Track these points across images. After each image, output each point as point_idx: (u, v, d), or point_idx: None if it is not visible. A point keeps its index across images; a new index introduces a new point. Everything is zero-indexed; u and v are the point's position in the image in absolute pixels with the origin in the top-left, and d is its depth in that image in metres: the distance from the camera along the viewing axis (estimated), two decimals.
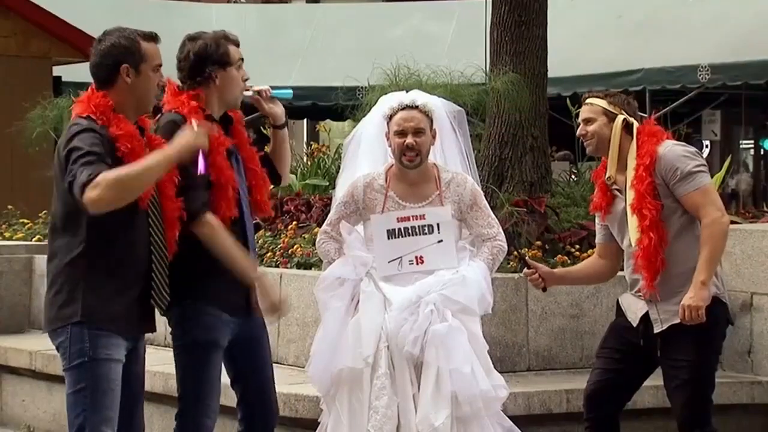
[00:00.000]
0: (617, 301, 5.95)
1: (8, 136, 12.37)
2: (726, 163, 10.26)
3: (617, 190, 5.78)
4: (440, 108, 6.00)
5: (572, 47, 16.21)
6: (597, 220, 5.99)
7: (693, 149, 5.73)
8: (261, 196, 5.55)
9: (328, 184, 10.55)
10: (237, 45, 5.46)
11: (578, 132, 5.85)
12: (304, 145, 18.15)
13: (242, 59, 5.46)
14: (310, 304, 7.46)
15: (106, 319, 4.80)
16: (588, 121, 5.81)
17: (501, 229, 5.90)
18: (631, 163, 5.66)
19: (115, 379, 4.83)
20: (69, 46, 14.72)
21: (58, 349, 4.91)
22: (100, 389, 4.78)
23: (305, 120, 23.59)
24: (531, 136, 9.25)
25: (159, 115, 5.23)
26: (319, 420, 5.91)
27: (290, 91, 5.80)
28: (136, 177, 4.68)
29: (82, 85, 13.88)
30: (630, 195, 5.64)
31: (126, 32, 4.90)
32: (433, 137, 5.87)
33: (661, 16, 17.21)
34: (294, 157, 12.89)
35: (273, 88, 5.68)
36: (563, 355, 7.51)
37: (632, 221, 5.64)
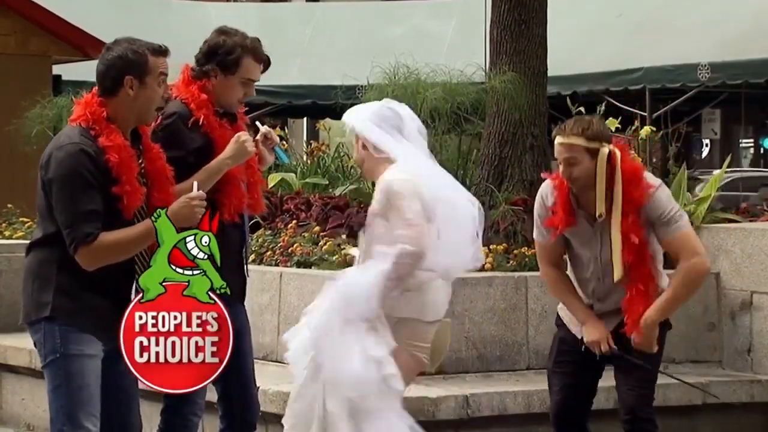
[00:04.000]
0: (557, 312, 5.99)
1: (7, 135, 12.36)
2: (725, 162, 10.26)
3: (586, 216, 5.78)
4: (360, 118, 5.60)
5: (572, 46, 16.22)
6: (541, 223, 5.88)
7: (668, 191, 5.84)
8: (257, 194, 5.56)
9: (327, 183, 10.55)
10: (260, 61, 5.38)
11: (561, 173, 5.72)
12: (304, 144, 18.15)
13: (252, 80, 5.38)
14: (310, 303, 7.47)
15: (76, 319, 4.80)
16: (571, 163, 5.70)
17: (413, 232, 5.31)
18: (618, 198, 5.66)
19: (91, 374, 4.80)
20: (68, 44, 14.70)
21: (36, 346, 4.93)
22: (74, 385, 4.78)
23: (305, 119, 23.62)
24: (531, 135, 9.25)
25: (166, 103, 5.24)
26: None
27: (287, 159, 5.75)
28: (128, 244, 4.71)
29: (82, 84, 13.87)
30: (616, 236, 5.66)
31: (135, 45, 4.88)
32: (364, 148, 5.55)
33: (661, 15, 17.21)
34: (294, 155, 12.92)
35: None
36: None
37: (617, 260, 5.68)
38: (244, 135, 5.28)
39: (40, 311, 4.86)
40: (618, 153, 5.72)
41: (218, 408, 5.54)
